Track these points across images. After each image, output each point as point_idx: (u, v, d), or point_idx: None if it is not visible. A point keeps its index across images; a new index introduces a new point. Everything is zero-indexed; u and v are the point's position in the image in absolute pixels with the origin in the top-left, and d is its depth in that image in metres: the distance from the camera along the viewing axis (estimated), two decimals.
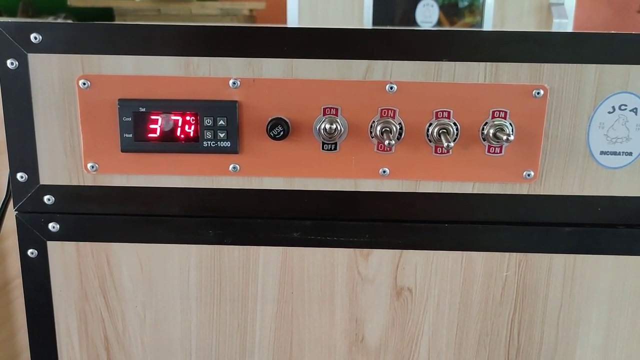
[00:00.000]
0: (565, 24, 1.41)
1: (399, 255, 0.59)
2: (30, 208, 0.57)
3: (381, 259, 0.59)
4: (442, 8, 1.52)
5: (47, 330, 0.61)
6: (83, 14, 1.95)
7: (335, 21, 1.49)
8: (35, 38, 0.53)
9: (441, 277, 0.59)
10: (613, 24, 2.14)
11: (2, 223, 0.66)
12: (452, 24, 1.54)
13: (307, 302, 0.60)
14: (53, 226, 0.58)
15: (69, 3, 1.90)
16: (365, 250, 0.59)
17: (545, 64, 0.54)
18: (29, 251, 0.58)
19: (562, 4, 1.43)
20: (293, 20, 1.49)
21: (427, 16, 1.51)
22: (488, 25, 1.47)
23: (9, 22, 0.53)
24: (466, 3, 1.51)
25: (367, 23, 1.48)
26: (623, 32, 0.53)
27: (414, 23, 1.51)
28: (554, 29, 1.41)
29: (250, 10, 1.97)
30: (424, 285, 0.59)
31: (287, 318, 0.61)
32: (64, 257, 0.59)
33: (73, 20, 1.55)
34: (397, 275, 0.59)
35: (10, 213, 0.62)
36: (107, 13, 1.89)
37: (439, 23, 1.53)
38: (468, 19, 1.53)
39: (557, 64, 0.54)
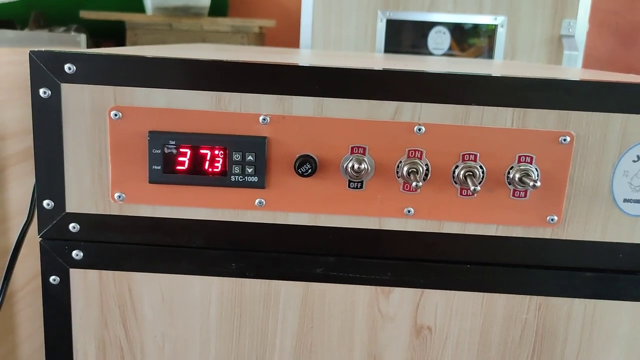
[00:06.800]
0: (575, 56, 1.42)
1: (420, 294, 0.59)
2: (55, 235, 0.57)
3: (402, 297, 0.59)
4: (453, 35, 1.54)
5: (65, 356, 0.60)
6: (94, 27, 1.96)
7: (348, 45, 1.50)
8: (69, 68, 0.54)
9: (461, 317, 0.59)
10: (617, 54, 2.16)
11: (21, 245, 0.66)
12: (462, 50, 1.55)
13: (326, 338, 0.60)
14: (77, 254, 0.58)
15: (81, 15, 1.91)
16: (387, 288, 0.59)
17: (573, 112, 0.54)
18: (51, 278, 0.58)
19: (573, 36, 1.45)
20: (306, 42, 1.50)
21: (439, 43, 1.53)
22: (499, 55, 1.48)
23: (43, 51, 0.53)
24: (476, 29, 1.53)
25: (379, 48, 1.50)
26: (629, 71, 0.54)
27: (426, 49, 1.52)
28: (565, 61, 1.42)
29: (260, 28, 1.98)
30: (443, 325, 0.60)
31: (306, 352, 0.61)
32: (86, 285, 0.59)
33: (84, 32, 1.55)
34: (418, 313, 0.59)
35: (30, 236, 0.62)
36: (118, 26, 1.90)
37: (450, 50, 1.54)
38: (478, 45, 1.55)
39: (584, 112, 0.54)
